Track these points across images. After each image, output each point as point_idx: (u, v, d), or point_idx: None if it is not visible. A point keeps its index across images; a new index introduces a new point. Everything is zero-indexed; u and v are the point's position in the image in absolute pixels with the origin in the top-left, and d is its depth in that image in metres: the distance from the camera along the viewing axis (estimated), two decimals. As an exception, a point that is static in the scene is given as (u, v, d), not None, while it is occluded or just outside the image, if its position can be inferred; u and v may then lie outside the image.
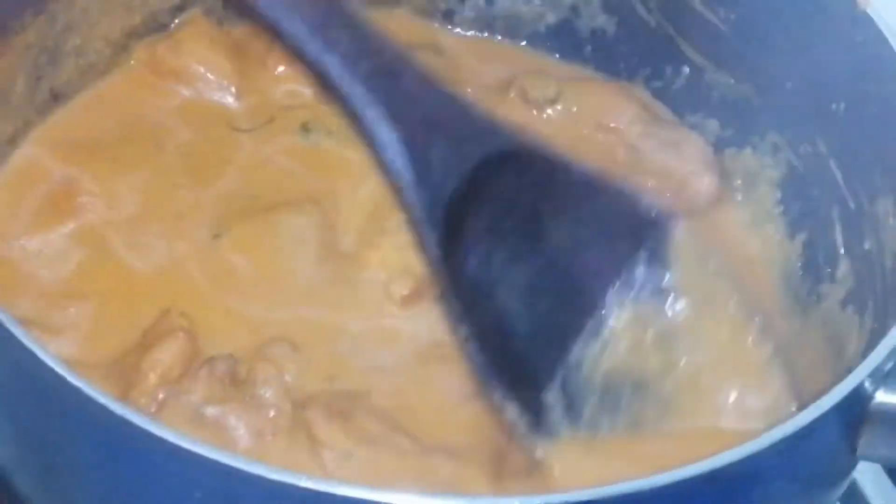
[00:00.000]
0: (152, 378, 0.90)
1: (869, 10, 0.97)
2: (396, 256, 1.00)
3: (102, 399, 0.75)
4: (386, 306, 0.99)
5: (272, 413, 0.90)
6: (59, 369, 0.76)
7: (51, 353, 0.77)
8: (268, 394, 0.90)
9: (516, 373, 0.95)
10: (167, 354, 0.91)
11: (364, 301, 0.99)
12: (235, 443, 0.89)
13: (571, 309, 0.97)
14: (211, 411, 0.90)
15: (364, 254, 1.01)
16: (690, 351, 0.96)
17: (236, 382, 0.91)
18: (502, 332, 0.97)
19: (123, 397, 0.90)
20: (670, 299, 0.97)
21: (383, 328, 0.98)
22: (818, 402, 0.80)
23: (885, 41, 0.96)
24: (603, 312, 0.96)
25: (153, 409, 0.89)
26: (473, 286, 0.97)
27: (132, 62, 1.11)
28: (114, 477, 0.80)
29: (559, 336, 0.96)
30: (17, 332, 0.77)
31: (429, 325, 0.98)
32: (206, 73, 1.10)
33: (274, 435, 0.90)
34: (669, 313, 0.96)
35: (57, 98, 1.07)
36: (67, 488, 0.84)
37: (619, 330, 0.96)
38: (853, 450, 0.85)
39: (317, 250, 1.01)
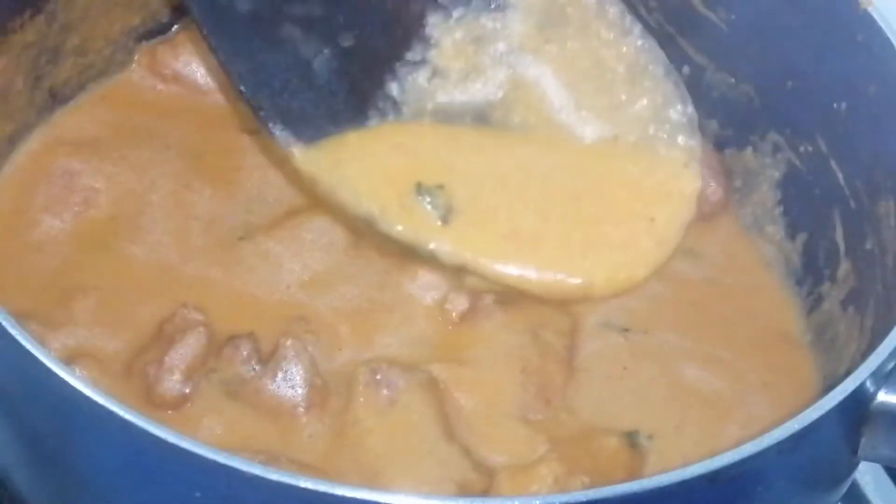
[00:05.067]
0: (177, 374, 0.91)
1: (870, 10, 0.97)
2: (442, 276, 0.99)
3: (102, 399, 0.75)
4: (440, 322, 0.99)
5: (303, 389, 0.92)
6: (58, 369, 0.76)
7: (49, 353, 0.77)
8: (296, 369, 0.92)
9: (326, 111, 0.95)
10: (190, 350, 0.92)
11: (404, 305, 0.99)
12: (274, 416, 0.91)
13: (384, 36, 0.96)
14: (245, 387, 0.92)
15: (405, 267, 1.00)
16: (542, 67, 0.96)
17: (262, 360, 0.93)
18: (299, 70, 0.96)
19: (148, 393, 0.91)
20: (507, 13, 0.97)
21: (420, 333, 0.99)
22: (819, 402, 0.80)
23: (886, 41, 0.96)
24: (426, 33, 0.96)
25: (181, 399, 0.91)
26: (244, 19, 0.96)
27: (133, 65, 1.11)
28: (114, 477, 0.80)
29: (371, 69, 0.96)
30: (16, 331, 0.78)
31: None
32: (208, 76, 1.10)
33: (308, 409, 0.92)
34: (508, 30, 0.96)
35: (57, 98, 1.07)
36: (67, 488, 0.84)
37: (449, 52, 0.96)
38: (854, 450, 0.85)
39: (346, 250, 1.01)
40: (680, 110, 0.95)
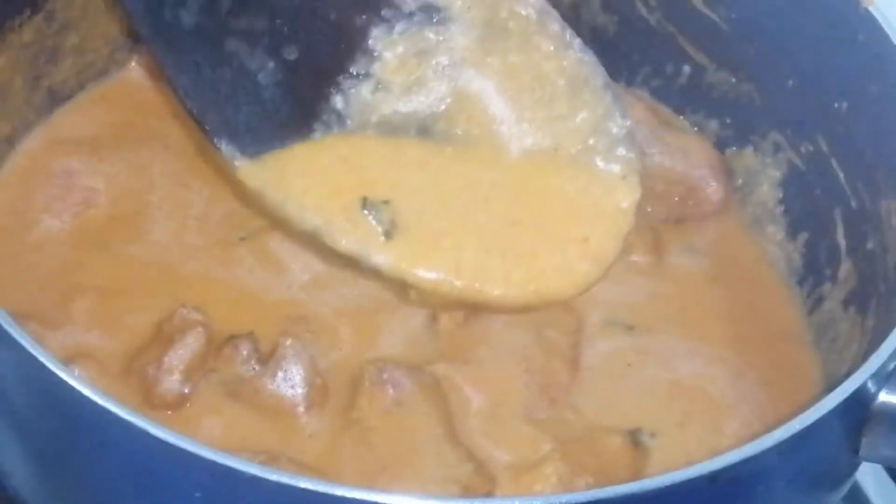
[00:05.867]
0: (177, 375, 0.91)
1: (871, 9, 0.97)
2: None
3: (101, 400, 0.75)
4: (443, 323, 0.99)
5: (303, 388, 0.91)
6: (57, 370, 0.76)
7: (48, 353, 0.77)
8: (296, 368, 0.92)
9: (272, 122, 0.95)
10: (189, 350, 0.92)
11: (406, 305, 0.99)
12: (274, 415, 0.91)
13: (328, 50, 0.96)
14: (244, 387, 0.92)
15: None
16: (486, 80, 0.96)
17: (262, 360, 0.93)
18: (244, 81, 0.95)
19: (147, 393, 0.91)
20: (450, 26, 0.96)
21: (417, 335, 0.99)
22: (820, 402, 0.79)
23: (887, 40, 0.96)
24: (369, 46, 0.96)
25: (181, 399, 0.91)
26: (190, 35, 0.95)
27: (132, 64, 1.11)
28: (113, 477, 0.79)
29: (315, 82, 0.95)
30: (15, 332, 0.77)
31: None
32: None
33: (308, 408, 0.92)
34: (450, 43, 0.96)
35: (55, 98, 1.07)
36: (66, 489, 0.84)
37: (393, 66, 0.96)
38: (855, 451, 0.85)
39: None
40: (619, 123, 0.95)
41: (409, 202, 0.93)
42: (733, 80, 1.09)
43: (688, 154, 1.08)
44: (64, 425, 0.79)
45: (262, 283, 0.99)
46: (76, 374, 0.83)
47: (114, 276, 0.98)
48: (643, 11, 1.11)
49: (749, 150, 1.10)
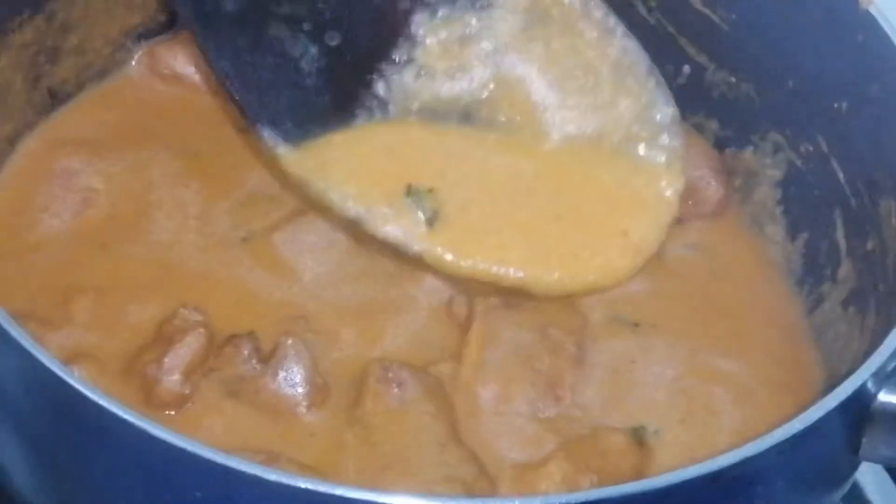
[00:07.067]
0: (177, 375, 0.91)
1: (871, 10, 0.97)
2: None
3: (101, 400, 0.75)
4: (446, 323, 0.99)
5: (304, 388, 0.92)
6: (57, 370, 0.76)
7: (48, 353, 0.77)
8: (297, 368, 0.92)
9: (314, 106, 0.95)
10: (189, 350, 0.92)
11: (409, 306, 0.99)
12: (275, 415, 0.91)
13: (370, 35, 0.96)
14: (245, 386, 0.92)
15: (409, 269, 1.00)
16: (530, 66, 0.96)
17: (262, 359, 0.93)
18: (285, 66, 0.96)
19: (147, 393, 0.91)
20: (492, 12, 0.97)
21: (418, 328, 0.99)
22: (820, 402, 0.80)
23: (887, 40, 0.96)
24: (411, 31, 0.96)
25: (181, 399, 0.91)
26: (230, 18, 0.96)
27: (133, 64, 1.11)
28: (113, 477, 0.79)
29: (357, 68, 0.96)
30: (15, 332, 0.78)
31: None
32: (208, 76, 1.09)
33: (309, 407, 0.92)
34: (493, 28, 0.97)
35: (56, 98, 1.07)
36: (66, 488, 0.84)
37: (435, 51, 0.96)
38: (855, 451, 0.85)
39: (347, 250, 1.00)
40: (663, 110, 0.96)
41: (453, 191, 0.94)
42: (733, 80, 1.09)
43: (687, 154, 1.08)
44: (64, 425, 0.79)
45: (262, 283, 0.99)
46: (76, 374, 0.83)
47: (114, 276, 0.98)
48: (643, 11, 1.11)
49: (749, 151, 1.10)
